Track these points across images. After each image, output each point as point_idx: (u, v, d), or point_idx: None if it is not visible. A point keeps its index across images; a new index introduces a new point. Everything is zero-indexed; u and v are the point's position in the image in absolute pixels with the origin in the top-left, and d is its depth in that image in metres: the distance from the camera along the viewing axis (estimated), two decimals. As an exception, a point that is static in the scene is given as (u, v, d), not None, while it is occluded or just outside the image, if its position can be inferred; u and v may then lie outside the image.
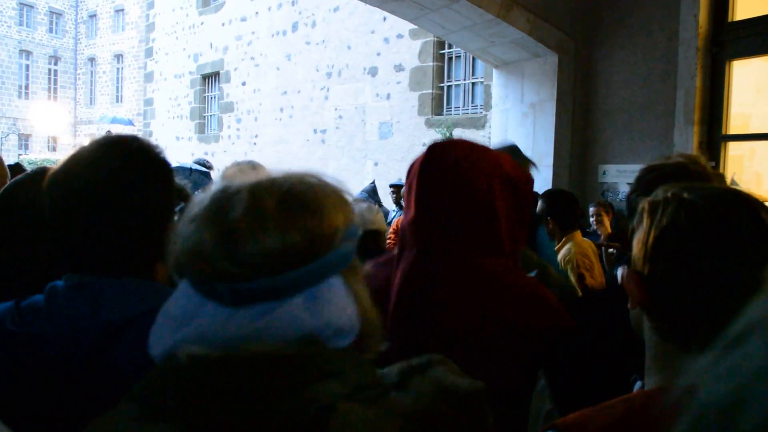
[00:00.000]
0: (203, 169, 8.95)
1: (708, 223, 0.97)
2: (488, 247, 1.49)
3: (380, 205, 8.58)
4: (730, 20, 4.81)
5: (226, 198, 0.78)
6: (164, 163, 1.23)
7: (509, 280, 1.48)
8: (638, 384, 1.14)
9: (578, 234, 3.95)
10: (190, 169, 8.45)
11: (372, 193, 8.66)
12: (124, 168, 1.16)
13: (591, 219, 5.28)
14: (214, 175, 8.99)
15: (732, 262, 0.95)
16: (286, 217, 0.77)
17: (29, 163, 19.06)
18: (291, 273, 0.75)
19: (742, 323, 0.47)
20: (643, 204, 1.06)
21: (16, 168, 4.51)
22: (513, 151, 2.19)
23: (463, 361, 1.39)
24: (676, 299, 0.99)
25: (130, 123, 26.38)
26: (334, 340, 0.77)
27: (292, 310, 0.75)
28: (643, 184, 1.62)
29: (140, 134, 17.49)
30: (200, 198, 0.81)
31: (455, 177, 1.50)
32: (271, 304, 0.75)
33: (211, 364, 0.70)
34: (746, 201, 1.01)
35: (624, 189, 5.36)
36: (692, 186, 1.05)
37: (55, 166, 1.18)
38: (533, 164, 2.25)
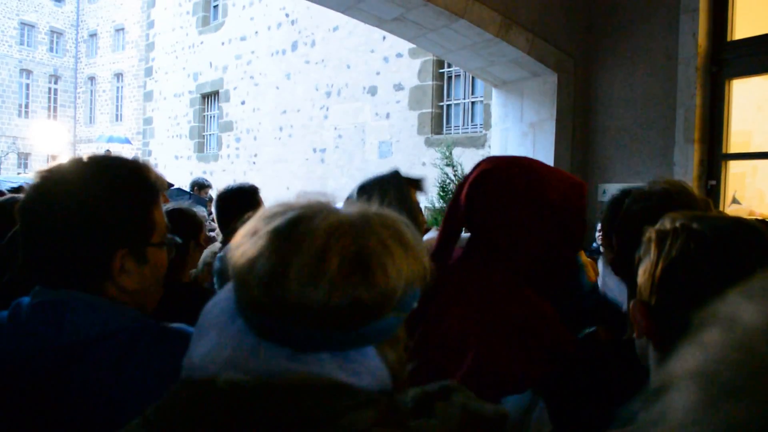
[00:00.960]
0: (199, 197, 8.97)
1: (717, 255, 0.98)
2: (507, 266, 1.49)
3: None
4: (729, 39, 4.83)
5: (293, 232, 0.76)
6: (140, 192, 1.20)
7: (510, 297, 1.46)
8: None
9: (582, 255, 3.92)
10: (189, 193, 8.47)
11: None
12: (85, 186, 1.15)
13: (597, 234, 5.26)
14: (213, 192, 8.98)
15: None
16: (343, 279, 0.74)
17: (27, 183, 19.07)
18: (327, 331, 0.74)
19: (669, 372, 0.47)
20: (650, 233, 1.07)
21: (20, 190, 4.49)
22: (394, 177, 2.11)
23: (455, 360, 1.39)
24: (684, 330, 0.98)
25: (127, 141, 26.44)
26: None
27: (322, 364, 0.74)
28: (627, 217, 1.55)
29: (138, 153, 17.55)
30: (272, 212, 0.79)
31: (473, 195, 1.53)
32: (295, 351, 0.74)
33: (250, 391, 0.70)
34: (754, 232, 1.01)
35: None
36: (701, 216, 1.07)
37: (33, 179, 1.18)
38: (419, 189, 2.17)
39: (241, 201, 3.00)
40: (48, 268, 1.14)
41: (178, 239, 1.33)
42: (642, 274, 1.06)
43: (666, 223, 1.06)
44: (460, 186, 1.59)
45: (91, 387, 1.04)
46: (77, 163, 1.19)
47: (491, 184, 1.52)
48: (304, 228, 0.75)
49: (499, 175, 1.53)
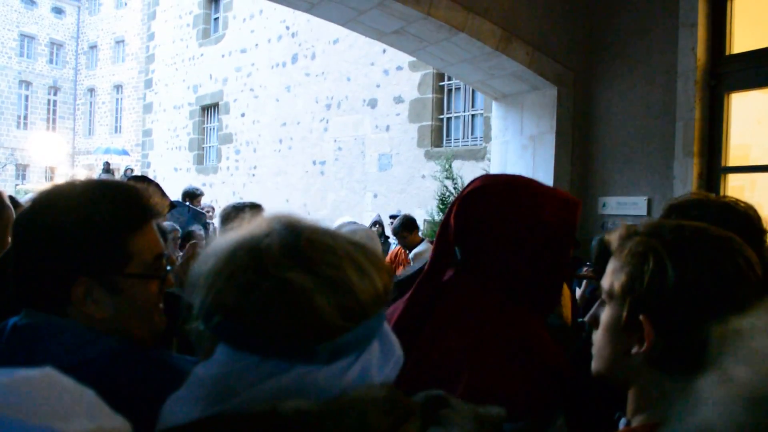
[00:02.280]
0: (198, 209, 8.95)
1: (732, 266, 1.00)
2: (499, 287, 1.47)
3: (387, 237, 8.59)
4: (727, 53, 4.86)
5: (310, 253, 0.78)
6: (117, 221, 1.15)
7: (501, 316, 1.46)
8: (623, 421, 1.14)
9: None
10: (188, 206, 8.46)
11: (379, 224, 8.69)
12: (72, 213, 1.12)
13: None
14: (205, 200, 8.95)
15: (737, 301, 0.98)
16: (373, 262, 0.81)
17: (26, 194, 19.06)
18: (377, 316, 0.80)
19: (698, 423, 0.47)
20: (650, 244, 1.06)
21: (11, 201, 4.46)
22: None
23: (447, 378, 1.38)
24: (695, 338, 0.99)
25: (125, 153, 26.45)
26: (393, 371, 0.82)
27: (373, 356, 0.78)
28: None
29: (137, 165, 17.52)
30: (234, 261, 0.78)
31: (462, 214, 1.51)
32: (358, 355, 0.77)
33: (318, 416, 0.69)
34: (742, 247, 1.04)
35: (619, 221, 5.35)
36: (703, 229, 1.07)
37: (31, 200, 1.18)
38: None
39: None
40: (21, 289, 1.14)
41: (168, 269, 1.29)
42: (637, 285, 1.04)
43: (663, 233, 1.06)
44: (452, 205, 1.57)
45: None
46: (69, 185, 1.16)
47: (482, 202, 1.50)
48: (305, 244, 0.79)
49: (490, 193, 1.51)
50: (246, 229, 0.82)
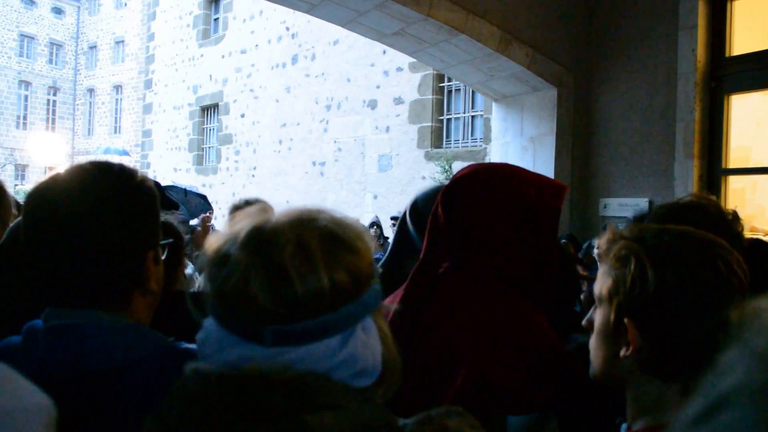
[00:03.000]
0: (197, 190, 8.95)
1: (717, 271, 1.01)
2: (490, 273, 1.47)
3: (386, 238, 8.59)
4: (728, 55, 4.86)
5: (267, 238, 0.77)
6: (149, 190, 1.16)
7: (496, 304, 1.45)
8: (624, 427, 1.14)
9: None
10: (185, 189, 8.43)
11: (377, 226, 8.69)
12: (108, 194, 1.09)
13: (595, 251, 5.26)
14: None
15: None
16: (331, 256, 0.77)
17: (25, 194, 19.05)
18: (336, 312, 0.76)
19: (722, 389, 0.46)
20: (632, 248, 1.06)
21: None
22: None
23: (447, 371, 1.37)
24: (681, 342, 1.01)
25: (125, 153, 26.45)
26: (356, 380, 0.78)
27: (321, 349, 0.76)
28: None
29: (136, 165, 17.48)
30: (225, 238, 0.81)
31: (450, 201, 1.52)
32: (311, 345, 0.75)
33: (211, 379, 0.70)
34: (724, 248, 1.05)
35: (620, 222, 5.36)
36: (683, 232, 1.08)
37: (31, 189, 1.11)
38: None
39: None
40: (71, 286, 1.07)
41: (170, 239, 1.30)
42: (622, 289, 1.05)
43: (646, 237, 1.06)
44: (438, 196, 1.58)
45: (119, 419, 1.00)
46: (79, 170, 1.12)
47: (467, 188, 1.51)
48: (266, 232, 0.78)
49: (475, 179, 1.52)
50: (265, 214, 0.84)
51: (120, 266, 1.09)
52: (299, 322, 0.75)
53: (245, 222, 0.81)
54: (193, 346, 1.15)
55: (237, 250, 0.77)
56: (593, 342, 1.14)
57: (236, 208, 3.14)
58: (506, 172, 1.54)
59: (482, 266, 1.48)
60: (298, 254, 0.75)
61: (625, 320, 1.04)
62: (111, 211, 1.08)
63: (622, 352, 1.05)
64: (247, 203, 3.14)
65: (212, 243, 0.82)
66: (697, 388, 0.53)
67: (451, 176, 1.63)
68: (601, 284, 1.10)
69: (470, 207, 1.49)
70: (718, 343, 0.98)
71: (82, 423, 1.01)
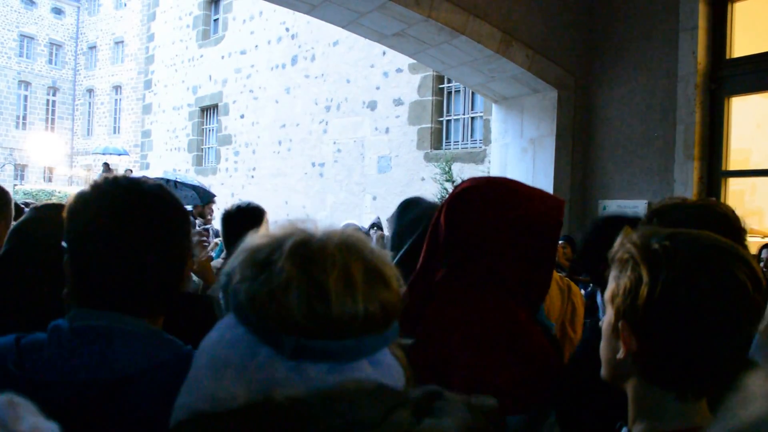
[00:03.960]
0: (188, 181, 8.96)
1: (714, 276, 1.00)
2: (488, 284, 1.50)
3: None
4: (728, 57, 4.86)
5: (315, 256, 0.81)
6: (183, 207, 1.26)
7: (493, 314, 1.48)
8: (624, 430, 1.14)
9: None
10: (174, 182, 8.45)
11: (377, 227, 8.70)
12: (144, 207, 1.16)
13: None
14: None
15: (735, 322, 0.99)
16: (371, 288, 0.81)
17: (24, 194, 19.06)
18: (359, 340, 0.80)
19: (745, 419, 0.47)
20: (630, 252, 1.07)
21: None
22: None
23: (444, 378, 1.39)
24: (675, 349, 1.01)
25: (125, 153, 26.44)
26: None
27: (362, 370, 0.79)
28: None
29: (135, 165, 17.50)
30: (267, 242, 0.84)
31: (450, 215, 1.55)
32: (335, 364, 0.78)
33: (310, 403, 0.71)
34: (732, 249, 1.04)
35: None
36: (681, 233, 1.07)
37: (70, 199, 1.17)
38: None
39: (249, 220, 2.99)
40: (118, 289, 1.13)
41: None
42: (624, 294, 1.05)
43: (651, 240, 1.06)
44: (440, 207, 1.62)
45: (134, 422, 1.03)
46: (113, 184, 1.19)
47: (470, 201, 1.55)
48: (314, 248, 0.81)
49: (478, 192, 1.56)
50: (306, 225, 0.87)
51: (169, 277, 1.18)
52: (321, 340, 0.78)
53: (290, 230, 0.84)
54: None
55: (283, 259, 0.80)
56: (602, 342, 1.15)
57: (229, 215, 3.13)
58: (509, 186, 1.60)
59: (479, 274, 1.51)
60: (342, 279, 0.79)
61: (620, 324, 1.05)
62: (162, 223, 1.17)
63: (619, 355, 1.06)
64: (239, 209, 3.13)
65: (252, 243, 0.85)
66: (719, 412, 0.53)
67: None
68: (608, 287, 1.11)
69: (473, 219, 1.53)
70: (722, 354, 0.98)
71: (101, 426, 1.03)
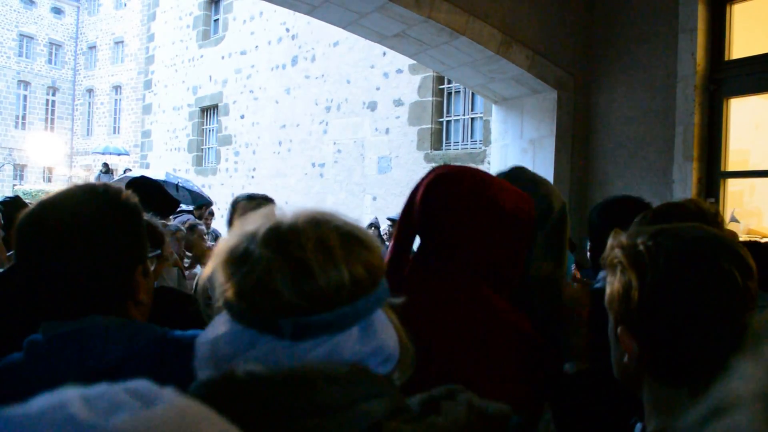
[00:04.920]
0: (190, 185, 9.02)
1: (702, 271, 1.00)
2: (466, 274, 1.47)
3: (383, 241, 8.62)
4: (727, 59, 4.88)
5: (287, 236, 0.81)
6: (135, 208, 1.24)
7: (468, 306, 1.45)
8: (639, 426, 1.15)
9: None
10: (176, 185, 8.48)
11: (375, 227, 8.75)
12: (87, 209, 1.16)
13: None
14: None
15: (725, 311, 0.99)
16: (350, 251, 0.82)
17: (24, 194, 19.05)
18: (352, 305, 0.81)
19: (727, 391, 0.48)
20: (617, 255, 1.08)
21: (15, 201, 4.45)
22: (517, 174, 2.09)
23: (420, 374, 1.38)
24: (675, 346, 1.01)
25: (125, 153, 26.43)
26: (382, 367, 0.83)
27: (348, 339, 0.80)
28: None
29: (135, 165, 17.47)
30: (241, 238, 0.84)
31: (424, 203, 1.52)
32: (332, 336, 0.80)
33: (269, 381, 0.72)
34: (722, 241, 1.04)
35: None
36: (667, 230, 1.07)
37: (25, 211, 1.17)
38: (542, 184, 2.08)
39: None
40: (69, 298, 1.14)
41: (158, 251, 1.37)
42: (618, 299, 1.06)
43: (635, 242, 1.06)
44: (413, 193, 1.59)
45: None
46: (66, 194, 1.19)
47: (445, 188, 1.52)
48: (286, 230, 0.82)
49: (453, 180, 1.53)
50: (274, 214, 0.88)
51: (111, 280, 1.17)
52: (318, 314, 0.78)
53: (259, 222, 0.85)
54: (186, 332, 1.21)
55: (258, 247, 0.81)
56: (611, 349, 1.16)
57: (237, 202, 3.18)
58: (481, 174, 1.58)
59: (455, 263, 1.48)
60: (319, 250, 0.80)
61: (618, 329, 1.07)
62: (99, 230, 1.15)
63: (625, 359, 1.07)
64: (251, 198, 3.17)
65: (227, 243, 0.86)
66: (706, 392, 0.55)
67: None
68: (606, 293, 1.12)
69: (449, 205, 1.50)
70: (719, 346, 0.98)
71: None
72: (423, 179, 1.60)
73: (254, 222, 0.86)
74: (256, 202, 3.11)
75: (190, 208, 8.14)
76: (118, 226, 1.18)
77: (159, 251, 1.38)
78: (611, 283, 1.09)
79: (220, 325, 0.85)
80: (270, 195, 3.45)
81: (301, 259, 0.79)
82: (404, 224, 1.56)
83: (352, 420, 0.71)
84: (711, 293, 0.99)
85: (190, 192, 8.99)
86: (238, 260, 0.82)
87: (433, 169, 1.61)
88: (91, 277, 1.13)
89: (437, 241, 1.51)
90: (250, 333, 0.80)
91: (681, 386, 1.02)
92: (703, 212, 1.65)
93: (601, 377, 1.44)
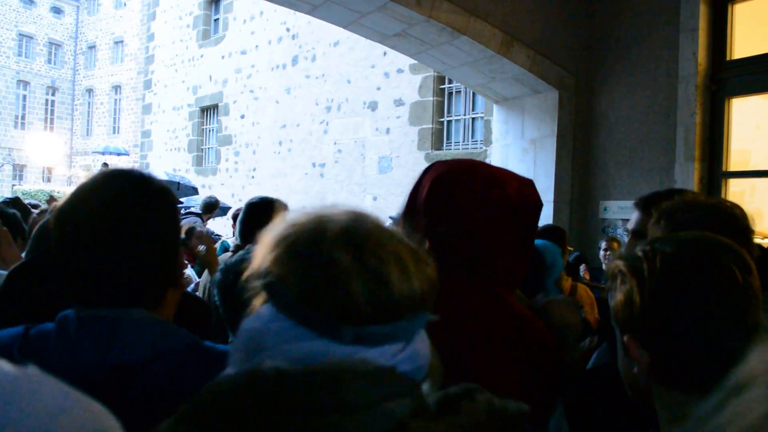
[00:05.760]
0: (191, 184, 9.02)
1: (702, 274, 1.00)
2: (477, 272, 1.46)
3: None
4: (728, 59, 4.88)
5: (365, 244, 0.82)
6: (167, 191, 1.23)
7: (481, 304, 1.44)
8: None
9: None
10: (178, 183, 8.47)
11: None
12: (129, 196, 1.15)
13: (602, 253, 5.29)
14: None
15: (728, 309, 0.99)
16: (418, 268, 0.84)
17: (23, 194, 19.05)
18: (411, 319, 0.82)
19: (743, 372, 0.48)
20: (619, 265, 1.08)
21: (15, 202, 4.44)
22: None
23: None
24: (682, 350, 1.01)
25: (125, 153, 26.42)
26: (415, 374, 0.84)
27: (393, 353, 0.81)
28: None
29: (135, 165, 17.49)
30: (297, 230, 0.84)
31: (430, 199, 1.49)
32: (379, 348, 0.80)
33: (294, 376, 0.71)
34: (722, 244, 1.05)
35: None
36: (664, 238, 1.09)
37: (61, 199, 1.17)
38: None
39: (268, 213, 3.04)
40: (114, 289, 1.13)
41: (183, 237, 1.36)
42: (621, 308, 1.06)
43: (634, 251, 1.07)
44: (414, 191, 1.56)
45: (138, 409, 1.02)
46: (101, 177, 1.18)
47: (453, 185, 1.49)
48: (362, 234, 0.83)
49: (460, 176, 1.51)
50: (322, 210, 0.88)
51: (160, 265, 1.16)
52: (382, 324, 0.80)
53: (316, 218, 0.86)
54: (218, 346, 1.19)
55: (333, 249, 0.81)
56: (618, 362, 1.16)
57: (253, 206, 3.17)
58: (482, 168, 1.56)
59: (465, 263, 1.46)
60: (397, 263, 0.82)
61: (625, 338, 1.06)
62: (141, 216, 1.14)
63: (635, 369, 1.06)
64: (264, 201, 3.18)
65: (282, 235, 0.85)
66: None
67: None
68: (611, 306, 1.13)
69: (458, 204, 1.47)
70: (727, 343, 0.98)
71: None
72: (423, 176, 1.57)
73: (308, 217, 0.86)
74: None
75: (198, 210, 8.11)
76: (160, 209, 1.18)
77: (184, 237, 1.36)
78: (614, 295, 1.09)
79: (266, 317, 0.84)
80: (270, 195, 3.45)
81: (381, 270, 0.80)
82: (407, 223, 1.52)
83: (376, 419, 0.71)
84: (711, 291, 0.98)
85: (194, 190, 8.94)
86: (304, 258, 0.82)
87: (433, 166, 1.58)
88: (141, 264, 1.13)
89: (446, 238, 1.47)
90: (301, 330, 0.80)
91: (694, 391, 1.00)
92: (735, 218, 1.62)
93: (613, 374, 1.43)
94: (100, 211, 1.11)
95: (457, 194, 1.48)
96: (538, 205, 1.55)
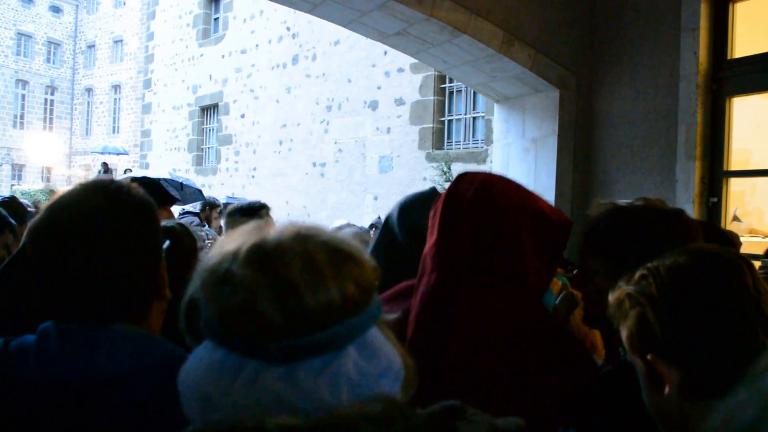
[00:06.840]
0: (194, 184, 8.99)
1: (705, 277, 1.00)
2: (510, 279, 1.44)
3: None
4: (729, 58, 4.88)
5: (272, 254, 0.77)
6: (146, 203, 1.20)
7: (525, 316, 1.43)
8: None
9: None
10: (181, 183, 8.44)
11: (377, 227, 8.73)
12: (104, 211, 1.12)
13: None
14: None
15: (747, 302, 0.99)
16: (339, 268, 0.78)
17: (22, 194, 19.03)
18: (344, 324, 0.77)
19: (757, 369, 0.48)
20: (623, 292, 1.07)
21: (12, 201, 4.43)
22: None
23: (487, 393, 1.36)
24: (708, 357, 0.99)
25: (124, 152, 26.41)
26: (393, 386, 0.79)
27: (349, 361, 0.76)
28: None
29: (134, 165, 17.49)
30: (222, 257, 0.80)
31: (477, 206, 1.46)
32: (326, 357, 0.75)
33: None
34: (720, 255, 1.05)
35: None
36: (667, 254, 1.08)
37: (37, 215, 1.14)
38: None
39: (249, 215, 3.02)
40: (93, 303, 1.11)
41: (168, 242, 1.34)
42: (636, 333, 1.05)
43: (633, 275, 1.07)
44: (447, 205, 1.50)
45: (115, 423, 1.02)
46: (79, 189, 1.16)
47: (496, 196, 1.47)
48: (270, 247, 0.78)
49: (499, 187, 1.49)
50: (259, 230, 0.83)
51: (141, 279, 1.15)
52: (308, 336, 0.74)
53: (242, 239, 0.81)
54: None
55: (240, 267, 0.77)
56: (643, 395, 1.12)
57: (242, 212, 3.15)
58: (515, 181, 1.55)
59: (508, 277, 1.44)
60: (306, 268, 0.76)
61: (649, 356, 1.03)
62: (120, 229, 1.12)
63: (666, 390, 1.03)
64: (251, 207, 3.15)
65: (207, 262, 0.81)
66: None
67: (449, 179, 1.58)
68: (623, 338, 1.10)
69: (501, 215, 1.45)
70: (752, 343, 0.97)
71: (85, 425, 1.03)
72: (452, 195, 1.50)
73: (237, 239, 0.81)
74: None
75: (197, 209, 8.09)
76: (138, 221, 1.15)
77: (169, 242, 1.33)
78: (624, 324, 1.07)
79: (203, 351, 0.80)
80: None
81: (287, 278, 0.75)
82: (450, 246, 1.45)
83: None
84: (725, 288, 0.99)
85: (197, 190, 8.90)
86: (219, 281, 0.77)
87: (461, 178, 1.53)
88: (121, 278, 1.11)
89: (484, 255, 1.44)
90: (232, 360, 0.76)
91: (720, 395, 0.99)
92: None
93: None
94: (74, 227, 1.09)
95: (503, 200, 1.47)
96: (569, 223, 1.53)
